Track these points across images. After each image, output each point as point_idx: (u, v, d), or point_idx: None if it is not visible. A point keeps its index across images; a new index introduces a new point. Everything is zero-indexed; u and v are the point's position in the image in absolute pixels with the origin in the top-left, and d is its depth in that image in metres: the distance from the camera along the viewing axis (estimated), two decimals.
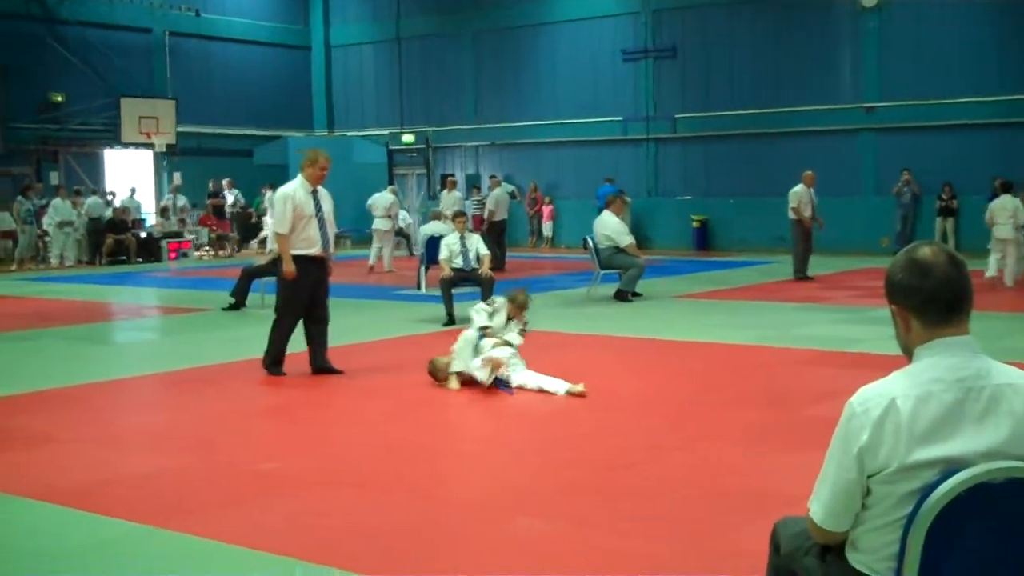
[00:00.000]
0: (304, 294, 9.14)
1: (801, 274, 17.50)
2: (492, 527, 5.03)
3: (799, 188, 17.76)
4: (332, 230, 9.38)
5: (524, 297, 8.97)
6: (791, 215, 17.79)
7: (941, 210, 22.73)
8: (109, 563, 4.64)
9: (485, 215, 22.22)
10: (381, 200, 21.32)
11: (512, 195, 26.28)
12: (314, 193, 9.19)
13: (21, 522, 5.25)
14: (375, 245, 21.26)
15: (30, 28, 26.65)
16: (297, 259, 9.04)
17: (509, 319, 8.81)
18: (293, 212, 9.01)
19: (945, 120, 23.15)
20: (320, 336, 9.30)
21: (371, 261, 21.03)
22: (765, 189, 25.50)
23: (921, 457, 2.46)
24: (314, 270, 9.17)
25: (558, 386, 8.17)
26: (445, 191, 22.98)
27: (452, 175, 27.30)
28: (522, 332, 8.87)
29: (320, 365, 9.25)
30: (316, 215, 9.14)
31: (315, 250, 9.13)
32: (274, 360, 9.23)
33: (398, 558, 4.60)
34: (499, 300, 9.07)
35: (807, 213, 17.63)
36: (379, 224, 21.13)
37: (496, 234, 21.09)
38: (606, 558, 4.57)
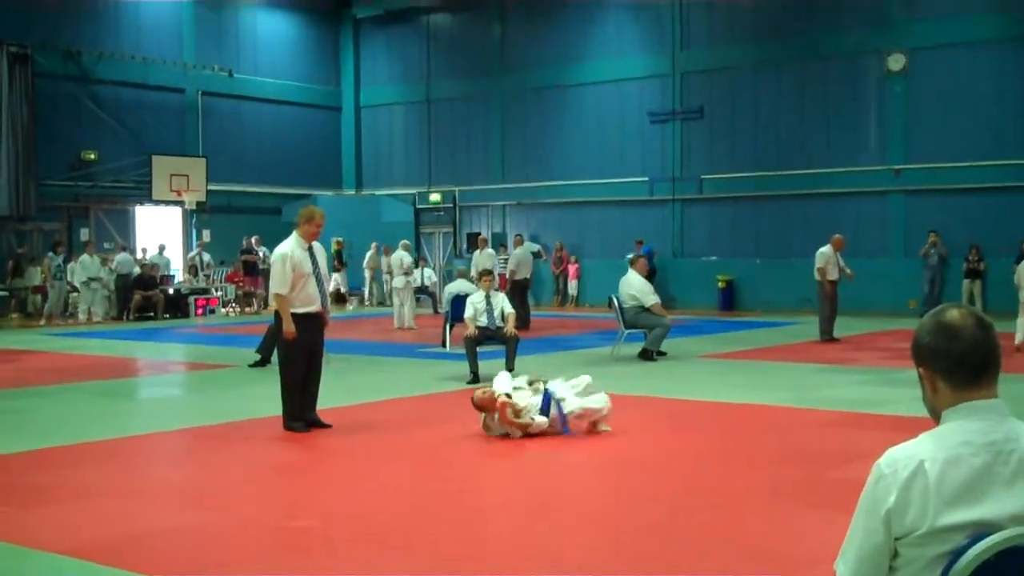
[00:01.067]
0: (304, 350, 9.24)
1: (828, 336, 17.41)
2: None
3: (826, 249, 17.76)
4: (328, 286, 9.57)
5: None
6: (817, 276, 17.71)
7: (968, 272, 22.62)
8: None
9: (507, 274, 22.29)
10: (396, 259, 21.49)
11: (537, 254, 26.40)
12: (309, 250, 9.32)
13: None
14: (396, 302, 21.35)
15: (65, 88, 27.13)
16: (299, 316, 9.15)
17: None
18: (293, 271, 9.12)
19: (972, 183, 23.13)
20: (314, 390, 9.43)
21: (396, 323, 21.06)
22: (791, 250, 25.50)
23: (950, 520, 2.45)
24: (314, 326, 9.32)
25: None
26: (477, 251, 23.04)
27: (480, 233, 27.46)
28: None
29: (310, 419, 9.35)
30: (313, 272, 9.27)
31: (314, 307, 9.29)
32: (291, 416, 9.28)
33: None
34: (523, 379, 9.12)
35: (832, 276, 17.55)
36: (396, 283, 21.28)
37: (519, 293, 21.11)
38: None
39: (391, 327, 20.93)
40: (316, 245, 9.46)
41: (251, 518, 6.36)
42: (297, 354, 9.23)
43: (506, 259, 28.19)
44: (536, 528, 6.17)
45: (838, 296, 17.81)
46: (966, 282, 22.56)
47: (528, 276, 22.32)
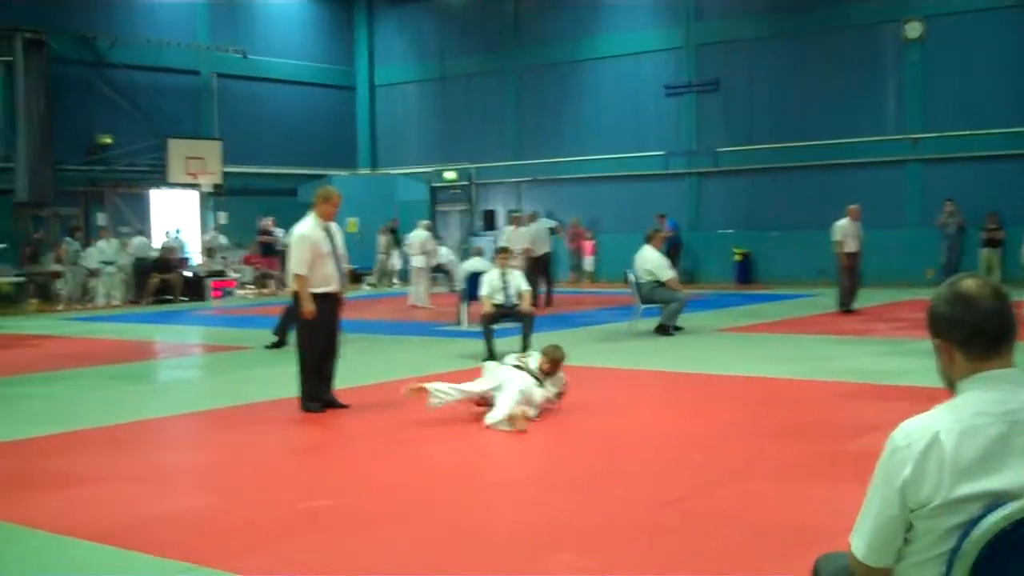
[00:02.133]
0: (323, 330, 9.25)
1: (845, 307, 17.30)
2: (532, 564, 4.99)
3: (843, 222, 17.60)
4: (345, 265, 9.55)
5: (560, 353, 8.86)
6: (834, 248, 17.60)
7: (986, 241, 22.44)
8: None
9: (522, 252, 22.17)
10: (415, 238, 21.45)
11: (554, 231, 26.29)
12: (327, 230, 9.31)
13: (66, 561, 5.28)
14: (413, 282, 21.36)
15: (79, 72, 27.17)
16: (318, 296, 9.16)
17: (544, 375, 8.72)
18: (311, 252, 9.12)
19: (990, 151, 22.94)
20: (330, 371, 9.43)
21: (410, 300, 21.08)
22: (808, 222, 25.36)
23: (965, 491, 2.43)
24: (332, 306, 9.33)
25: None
26: (512, 227, 22.66)
27: (517, 211, 27.20)
28: (559, 395, 8.79)
29: (326, 399, 9.36)
30: (331, 252, 9.27)
31: (332, 287, 9.30)
32: (308, 397, 9.29)
33: None
34: (533, 354, 9.03)
35: (851, 248, 17.39)
36: (416, 262, 21.26)
37: (540, 269, 21.06)
38: None
39: (404, 306, 20.95)
40: (333, 225, 9.44)
41: (268, 499, 6.38)
42: (315, 334, 9.24)
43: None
44: (551, 504, 6.16)
45: (859, 268, 17.62)
46: (984, 251, 22.39)
47: (547, 251, 22.20)
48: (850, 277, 17.48)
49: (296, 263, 9.24)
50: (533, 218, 23.66)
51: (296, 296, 9.30)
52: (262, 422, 9.05)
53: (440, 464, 7.36)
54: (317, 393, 9.30)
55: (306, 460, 7.75)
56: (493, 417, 8.22)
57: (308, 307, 9.11)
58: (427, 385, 8.64)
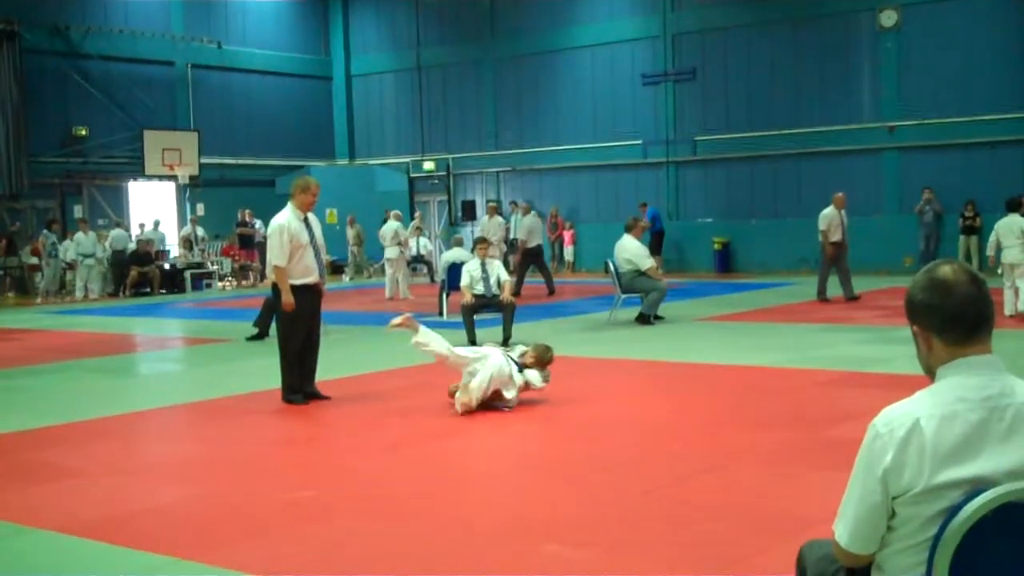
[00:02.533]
0: (303, 322, 9.21)
1: (823, 296, 17.24)
2: (520, 554, 5.00)
3: (829, 210, 17.36)
4: (324, 256, 9.54)
5: (549, 355, 8.84)
6: (820, 237, 17.43)
7: (964, 228, 22.59)
8: None
9: (518, 244, 22.23)
10: (387, 229, 21.39)
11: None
12: (305, 220, 9.26)
13: (47, 556, 5.27)
14: (388, 272, 21.31)
15: (53, 63, 26.98)
16: (298, 288, 9.11)
17: (526, 366, 8.74)
18: (290, 243, 9.06)
19: (967, 138, 23.08)
20: (311, 363, 9.40)
21: (388, 293, 21.04)
22: (786, 210, 25.51)
23: (946, 478, 2.45)
24: (312, 297, 9.29)
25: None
26: (487, 217, 22.86)
27: (493, 201, 27.31)
28: (545, 379, 8.81)
29: (309, 391, 9.33)
30: (311, 243, 9.21)
31: (312, 278, 9.24)
32: (290, 389, 9.27)
33: None
34: (517, 347, 9.03)
35: (836, 237, 17.20)
36: (389, 253, 21.21)
37: (535, 260, 21.26)
38: None
39: (383, 298, 20.92)
40: (311, 216, 9.39)
41: (251, 491, 6.37)
42: (296, 326, 9.20)
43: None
44: (535, 494, 6.18)
45: (846, 256, 17.42)
46: (962, 238, 22.55)
47: (540, 243, 22.28)
48: (837, 266, 17.24)
49: (275, 255, 9.18)
50: (527, 210, 23.67)
51: (276, 288, 9.26)
52: (245, 414, 9.04)
53: (423, 455, 7.37)
54: (299, 385, 9.27)
55: (289, 452, 7.74)
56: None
57: (287, 299, 9.06)
58: (421, 328, 8.66)
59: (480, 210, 29.54)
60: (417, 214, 27.64)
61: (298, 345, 9.23)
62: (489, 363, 8.40)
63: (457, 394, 8.45)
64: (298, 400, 9.20)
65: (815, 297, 17.38)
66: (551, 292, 20.53)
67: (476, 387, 8.31)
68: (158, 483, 6.81)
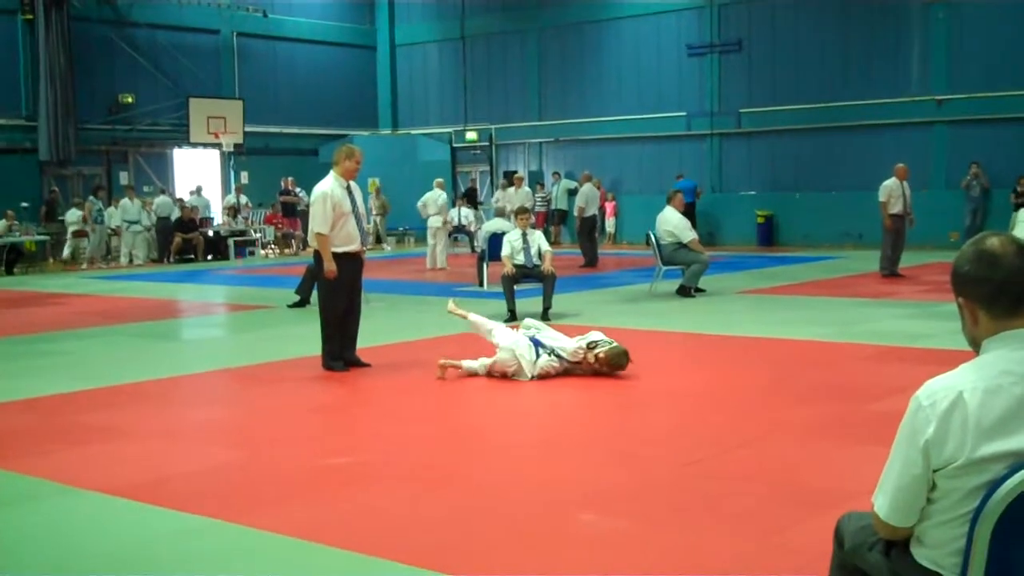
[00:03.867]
0: (345, 289, 9.24)
1: (887, 270, 16.84)
2: (555, 523, 5.01)
3: (889, 181, 16.91)
4: (366, 224, 9.59)
5: (625, 361, 8.62)
6: (880, 210, 16.96)
7: (1017, 204, 22.19)
8: (177, 556, 4.70)
9: (575, 212, 22.18)
10: (431, 198, 21.35)
11: (573, 191, 26.27)
12: (348, 188, 9.25)
13: (91, 516, 5.35)
14: (430, 243, 21.33)
15: (100, 31, 27.18)
16: (340, 256, 9.13)
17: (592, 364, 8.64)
18: (333, 210, 9.06)
19: (1018, 112, 22.66)
20: (352, 330, 9.41)
21: (428, 263, 21.08)
22: (831, 183, 25.25)
23: (989, 451, 2.42)
24: (354, 265, 9.31)
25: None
26: (513, 188, 22.91)
27: (517, 172, 27.32)
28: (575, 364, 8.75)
29: (349, 359, 9.37)
30: (353, 211, 9.20)
31: (354, 246, 9.26)
32: (331, 356, 9.31)
33: (459, 553, 4.61)
34: (595, 335, 8.82)
35: (895, 209, 16.76)
36: (433, 222, 21.19)
37: (588, 230, 21.24)
38: (670, 555, 4.54)
39: (424, 267, 20.97)
40: (354, 184, 9.40)
41: (289, 456, 6.43)
42: (337, 293, 9.22)
43: (541, 197, 28.17)
44: (572, 464, 6.19)
45: (904, 231, 16.98)
46: (1015, 214, 22.15)
47: (596, 213, 22.23)
48: (895, 239, 16.90)
49: (318, 222, 9.18)
50: (587, 179, 23.60)
51: (318, 255, 9.29)
52: (285, 380, 9.10)
53: (460, 424, 7.40)
54: (340, 352, 9.32)
55: (327, 418, 7.80)
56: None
57: (330, 266, 9.08)
58: (470, 316, 9.06)
59: (527, 181, 29.44)
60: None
61: (339, 313, 9.26)
62: (501, 350, 8.58)
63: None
64: (338, 367, 9.24)
65: (879, 271, 16.92)
66: (593, 264, 20.48)
67: (473, 367, 8.50)
68: (199, 446, 6.88)
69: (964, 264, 2.57)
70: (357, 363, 9.40)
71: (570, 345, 8.67)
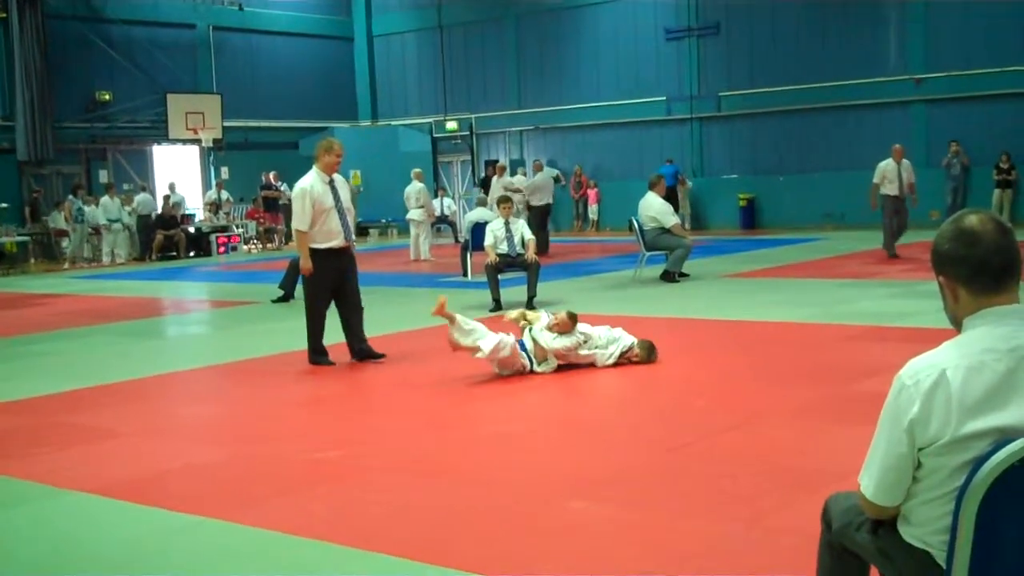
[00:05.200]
0: (327, 285, 9.17)
1: (890, 251, 16.76)
2: (546, 511, 5.03)
3: (885, 162, 16.84)
4: (352, 218, 9.40)
5: (655, 355, 8.63)
6: (872, 190, 16.88)
7: (1000, 182, 22.27)
8: (167, 555, 4.70)
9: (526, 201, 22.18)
10: (411, 190, 21.35)
11: (556, 179, 26.25)
12: (331, 183, 9.15)
13: (79, 517, 5.33)
14: (412, 234, 21.33)
15: (75, 28, 27.02)
16: (321, 252, 9.06)
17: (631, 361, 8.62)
18: (313, 207, 8.99)
19: (997, 89, 22.74)
20: (356, 324, 9.33)
21: (412, 254, 21.06)
22: (812, 165, 25.33)
23: (973, 428, 2.43)
24: (338, 261, 9.19)
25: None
26: (495, 177, 22.84)
27: (498, 161, 27.29)
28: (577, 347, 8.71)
29: (359, 351, 9.31)
30: (335, 206, 9.09)
31: (337, 242, 9.14)
32: (315, 350, 9.30)
33: (450, 543, 4.62)
34: (627, 338, 8.74)
35: (891, 190, 16.57)
36: (412, 214, 21.18)
37: (538, 219, 21.13)
38: (660, 539, 4.56)
39: (407, 259, 20.95)
40: (338, 178, 9.32)
41: (278, 451, 6.42)
42: (320, 290, 9.19)
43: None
44: (561, 452, 6.20)
45: (904, 210, 16.81)
46: (997, 192, 22.26)
47: (549, 202, 22.17)
48: (894, 220, 16.71)
49: (297, 219, 9.14)
50: (539, 167, 23.57)
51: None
52: (272, 375, 9.10)
53: (450, 414, 7.40)
54: (322, 345, 9.30)
55: (315, 412, 7.79)
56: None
57: (306, 264, 9.07)
58: (458, 319, 8.46)
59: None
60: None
61: (322, 309, 9.23)
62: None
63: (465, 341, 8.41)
64: (324, 361, 9.24)
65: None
66: (544, 253, 20.28)
67: (479, 346, 8.31)
68: (187, 444, 6.87)
69: (944, 243, 2.57)
70: (370, 355, 9.31)
71: (601, 344, 8.66)
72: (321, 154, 9.18)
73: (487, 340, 8.15)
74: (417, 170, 22.41)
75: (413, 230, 21.32)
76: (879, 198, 16.89)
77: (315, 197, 9.03)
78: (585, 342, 8.61)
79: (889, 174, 16.77)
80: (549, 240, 21.31)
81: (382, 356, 9.33)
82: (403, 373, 8.85)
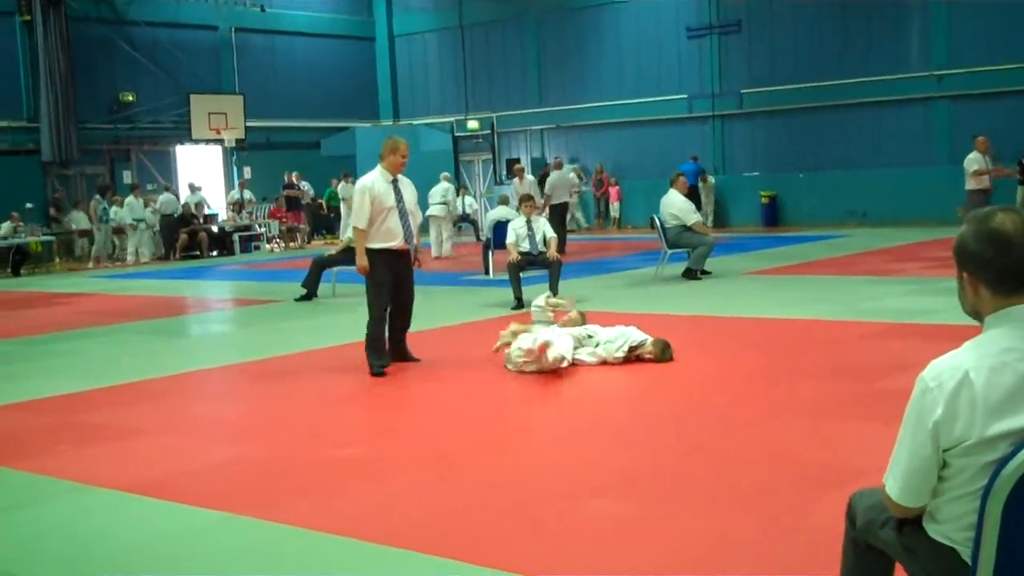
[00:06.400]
0: (387, 286, 8.89)
1: None
2: (567, 509, 5.03)
3: (973, 155, 16.49)
4: (416, 220, 9.12)
5: (669, 354, 8.63)
6: (967, 184, 16.56)
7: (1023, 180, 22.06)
8: (192, 552, 4.73)
9: (542, 200, 22.19)
10: (437, 189, 21.40)
11: (579, 176, 26.24)
12: (394, 183, 8.89)
13: (105, 514, 5.37)
14: (433, 232, 21.40)
15: (100, 31, 27.20)
16: (379, 252, 8.81)
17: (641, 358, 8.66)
18: (371, 205, 8.75)
19: (1020, 85, 22.58)
20: (401, 324, 9.16)
21: (434, 252, 21.14)
22: (835, 162, 25.21)
23: (999, 429, 2.42)
24: (395, 262, 8.92)
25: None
26: (516, 180, 22.73)
27: (519, 161, 27.25)
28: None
29: (398, 353, 9.12)
30: (397, 206, 8.83)
31: (396, 243, 8.87)
32: (377, 353, 8.89)
33: (472, 540, 4.64)
34: (638, 335, 8.77)
35: (980, 184, 16.26)
36: (433, 210, 21.21)
37: (557, 217, 21.12)
38: (681, 538, 4.56)
39: (429, 257, 20.99)
40: (404, 179, 9.02)
41: (302, 449, 6.45)
42: (379, 291, 8.87)
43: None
44: (583, 450, 6.20)
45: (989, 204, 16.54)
46: (1020, 189, 22.07)
47: (567, 200, 22.17)
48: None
49: (355, 216, 8.93)
50: (559, 165, 23.57)
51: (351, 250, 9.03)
52: (294, 374, 9.12)
53: (472, 413, 7.42)
54: (383, 350, 8.93)
55: (340, 410, 7.80)
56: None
57: (361, 262, 8.80)
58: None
59: (528, 168, 29.37)
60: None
61: (380, 312, 8.92)
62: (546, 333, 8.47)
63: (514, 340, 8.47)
64: (379, 371, 8.78)
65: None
66: (561, 252, 20.31)
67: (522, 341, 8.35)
68: (211, 442, 6.91)
69: (972, 242, 2.53)
70: (406, 357, 9.15)
71: (610, 338, 8.71)
72: (387, 153, 8.92)
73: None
74: (446, 173, 22.45)
75: (434, 228, 21.35)
76: (967, 193, 16.40)
77: (375, 195, 8.77)
78: (590, 337, 8.66)
79: (981, 166, 16.29)
80: (567, 239, 21.28)
81: (417, 360, 9.15)
82: (428, 371, 8.86)
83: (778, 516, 4.75)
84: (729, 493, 5.14)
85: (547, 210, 21.17)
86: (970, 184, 16.52)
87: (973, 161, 16.51)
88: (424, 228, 23.74)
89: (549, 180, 22.19)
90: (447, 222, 21.43)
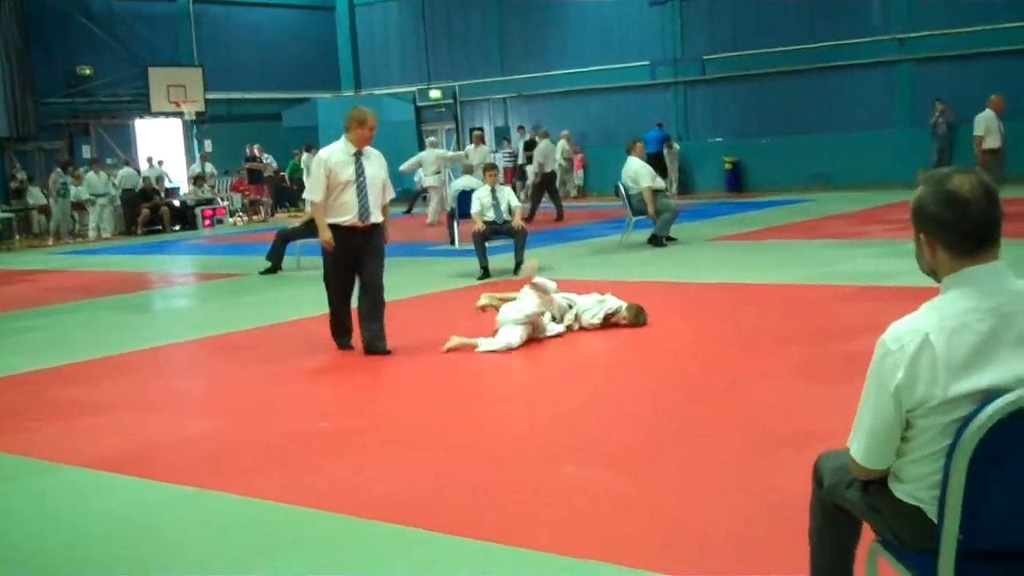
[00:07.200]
0: (341, 263, 8.40)
1: None
2: (538, 477, 5.06)
3: (985, 113, 16.18)
4: (385, 195, 8.43)
5: (643, 318, 8.72)
6: (975, 144, 16.33)
7: None
8: (163, 526, 4.72)
9: (534, 168, 22.34)
10: (429, 157, 21.23)
11: (528, 144, 26.27)
12: (357, 155, 8.28)
13: (75, 491, 5.35)
14: (433, 201, 21.45)
15: (55, 3, 26.77)
16: (333, 228, 8.24)
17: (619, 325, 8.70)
18: (327, 177, 8.22)
19: (982, 47, 22.70)
20: (368, 313, 8.39)
21: (429, 219, 21.16)
22: (798, 127, 25.30)
23: (961, 389, 2.44)
24: (352, 240, 8.28)
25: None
26: (472, 146, 22.88)
27: (480, 129, 27.20)
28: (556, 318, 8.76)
29: (365, 343, 8.41)
30: (356, 180, 8.20)
31: (349, 218, 8.22)
32: (334, 331, 8.68)
33: (444, 510, 4.65)
34: (614, 301, 8.80)
35: (993, 143, 15.96)
36: (431, 180, 21.18)
37: (548, 186, 21.34)
38: (653, 502, 4.60)
39: (408, 225, 20.96)
40: (371, 152, 8.39)
41: (271, 423, 6.44)
42: (336, 267, 8.39)
43: (511, 152, 28.03)
44: (553, 419, 6.23)
45: (1003, 164, 16.04)
46: None
47: (554, 169, 22.29)
48: (994, 174, 16.30)
49: (309, 188, 8.59)
50: (544, 135, 23.61)
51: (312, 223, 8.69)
52: (262, 347, 9.09)
53: (442, 384, 7.41)
54: (345, 327, 8.65)
55: (308, 384, 7.77)
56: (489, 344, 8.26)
57: (324, 236, 8.30)
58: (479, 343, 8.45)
59: (490, 137, 29.33)
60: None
61: (339, 288, 8.52)
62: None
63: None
64: (344, 344, 8.62)
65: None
66: (559, 217, 20.58)
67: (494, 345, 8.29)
68: (180, 417, 6.88)
69: (929, 204, 2.54)
70: (376, 350, 8.32)
71: (587, 306, 8.76)
72: (353, 125, 8.27)
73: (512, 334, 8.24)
74: (432, 139, 22.32)
75: (434, 197, 21.35)
76: (980, 153, 16.03)
77: (331, 167, 8.19)
78: (570, 307, 8.71)
79: (991, 126, 15.97)
80: (562, 206, 21.35)
81: (389, 352, 8.33)
82: (395, 342, 8.77)
83: (749, 480, 4.80)
84: (701, 456, 5.19)
85: (539, 179, 21.41)
86: (987, 144, 16.05)
87: (980, 122, 16.21)
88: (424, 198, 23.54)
89: (538, 149, 22.25)
90: (439, 189, 21.38)
